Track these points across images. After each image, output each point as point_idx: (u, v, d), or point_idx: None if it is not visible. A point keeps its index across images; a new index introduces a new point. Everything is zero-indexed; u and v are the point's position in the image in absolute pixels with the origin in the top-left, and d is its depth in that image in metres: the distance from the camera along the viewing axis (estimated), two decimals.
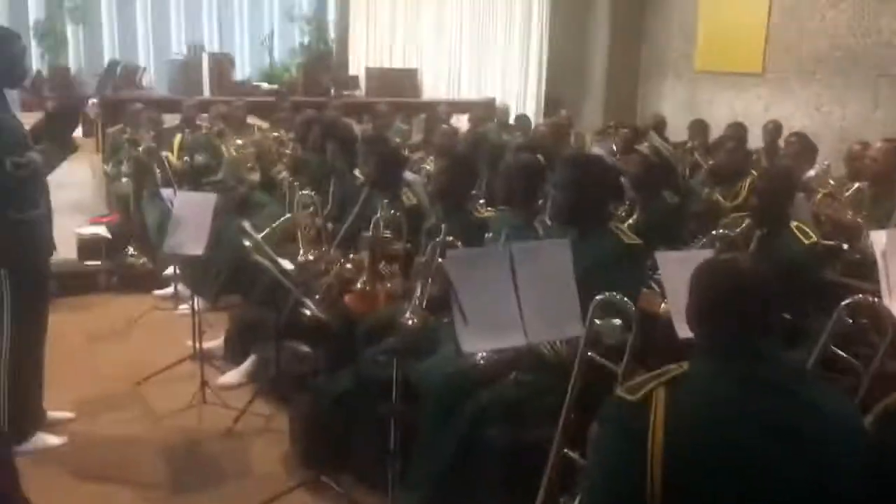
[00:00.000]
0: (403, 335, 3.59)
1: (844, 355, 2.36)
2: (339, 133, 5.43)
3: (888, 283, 2.79)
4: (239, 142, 6.10)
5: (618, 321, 2.45)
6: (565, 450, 2.47)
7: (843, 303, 2.40)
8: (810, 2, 7.58)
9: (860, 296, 2.43)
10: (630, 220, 4.56)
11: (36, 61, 13.83)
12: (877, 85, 7.13)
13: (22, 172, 3.25)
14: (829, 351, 2.35)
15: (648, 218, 4.49)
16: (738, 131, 6.55)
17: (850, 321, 2.37)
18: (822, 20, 7.50)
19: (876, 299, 2.43)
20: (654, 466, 1.55)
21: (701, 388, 1.64)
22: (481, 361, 3.14)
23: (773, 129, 6.88)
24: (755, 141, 6.84)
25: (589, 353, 2.50)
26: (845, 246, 4.00)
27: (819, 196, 4.48)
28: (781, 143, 6.46)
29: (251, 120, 7.99)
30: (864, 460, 1.61)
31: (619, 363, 2.44)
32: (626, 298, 2.47)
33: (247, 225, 4.12)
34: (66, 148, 3.56)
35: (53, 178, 3.67)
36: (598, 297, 2.44)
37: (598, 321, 2.46)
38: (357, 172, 5.11)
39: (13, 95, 3.57)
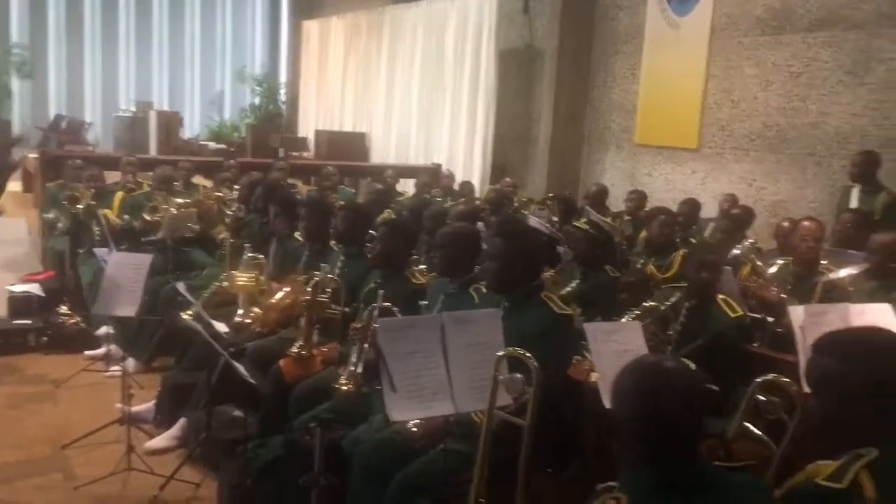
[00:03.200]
0: (336, 401, 3.59)
1: (758, 432, 2.42)
2: (281, 195, 5.45)
3: (806, 357, 2.89)
4: (180, 201, 6.06)
5: (519, 375, 2.47)
6: None
7: (756, 380, 2.47)
8: (743, 83, 7.94)
9: (772, 375, 2.51)
10: (568, 288, 4.65)
11: None
12: (805, 164, 7.45)
13: None
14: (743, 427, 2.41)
15: (589, 289, 4.58)
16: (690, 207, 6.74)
17: (763, 398, 2.44)
18: (755, 100, 7.84)
19: (786, 380, 2.50)
20: None
21: None
22: (414, 429, 3.14)
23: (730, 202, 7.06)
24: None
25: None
26: (770, 319, 4.11)
27: (744, 271, 4.63)
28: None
29: (196, 179, 7.98)
30: None
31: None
32: (528, 354, 2.48)
33: (181, 287, 4.08)
34: None
35: None
36: (499, 354, 2.45)
37: (500, 376, 2.47)
38: (297, 234, 5.12)
39: None
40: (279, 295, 4.46)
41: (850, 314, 3.10)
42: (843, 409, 1.77)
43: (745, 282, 4.50)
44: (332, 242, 4.83)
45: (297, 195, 5.99)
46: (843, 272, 4.01)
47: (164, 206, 5.98)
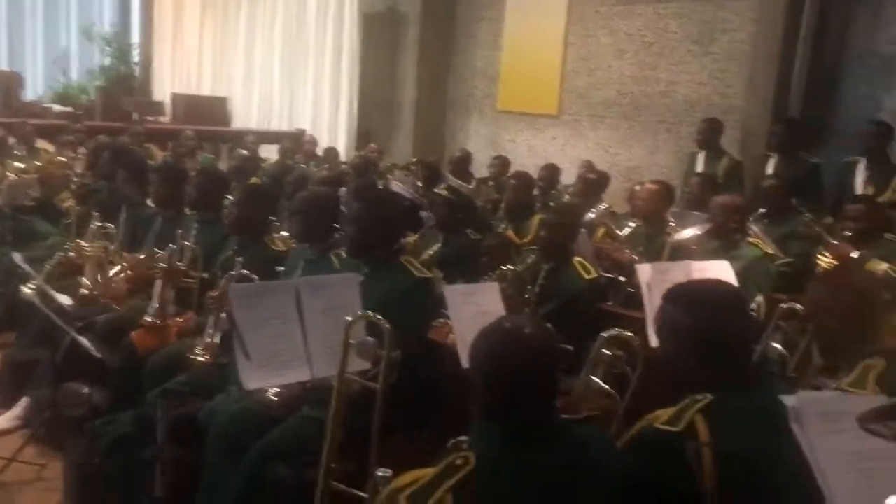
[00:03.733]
0: (192, 373, 3.47)
1: (603, 385, 2.52)
2: (130, 159, 5.18)
3: (652, 310, 3.03)
4: (19, 165, 5.65)
5: (371, 339, 2.46)
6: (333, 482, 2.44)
7: (601, 335, 2.57)
8: (599, 51, 8.17)
9: (616, 330, 2.61)
10: (430, 252, 4.69)
11: None
12: (657, 131, 7.78)
13: None
14: (591, 380, 2.50)
15: (450, 253, 4.64)
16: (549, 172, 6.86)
17: (608, 352, 2.54)
18: (609, 69, 8.09)
19: (628, 334, 2.61)
20: None
21: (492, 492, 1.61)
22: (273, 398, 3.08)
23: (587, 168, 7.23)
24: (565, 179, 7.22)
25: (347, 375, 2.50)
26: (622, 279, 4.30)
27: (599, 234, 4.81)
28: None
29: (39, 144, 7.46)
30: (620, 487, 1.71)
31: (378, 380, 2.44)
32: (379, 317, 2.46)
33: (18, 258, 3.82)
34: None
35: None
36: (349, 318, 2.43)
37: (352, 340, 2.45)
38: (149, 201, 4.88)
39: None
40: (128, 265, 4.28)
41: (692, 271, 3.27)
42: (686, 356, 1.87)
43: (600, 244, 4.68)
44: (187, 209, 4.64)
45: (147, 159, 5.71)
46: (687, 233, 4.23)
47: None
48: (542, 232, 3.89)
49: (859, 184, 5.42)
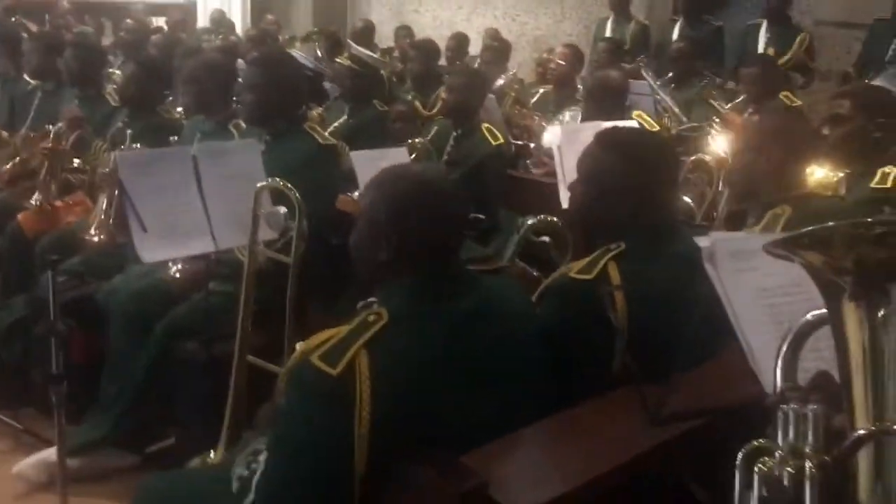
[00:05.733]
0: (88, 254, 3.29)
1: (531, 271, 2.47)
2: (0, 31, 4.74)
3: (563, 173, 3.01)
4: None
5: (282, 208, 2.34)
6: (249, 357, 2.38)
7: (527, 223, 2.48)
8: None
9: (542, 216, 2.53)
10: (336, 124, 4.53)
11: None
12: None
13: None
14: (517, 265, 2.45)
15: (357, 124, 4.48)
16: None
17: (535, 239, 2.48)
18: None
19: (554, 219, 2.54)
20: (362, 440, 1.39)
21: (406, 344, 1.49)
22: (177, 275, 2.96)
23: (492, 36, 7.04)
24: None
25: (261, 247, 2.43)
26: (532, 145, 4.26)
27: (508, 102, 4.72)
28: None
29: None
30: (535, 334, 1.69)
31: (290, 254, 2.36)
32: (290, 185, 2.34)
33: None
34: None
35: None
36: (259, 185, 2.30)
37: (262, 210, 2.33)
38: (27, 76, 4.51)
39: None
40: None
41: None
42: (607, 201, 1.84)
43: (510, 112, 4.61)
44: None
45: (18, 31, 5.24)
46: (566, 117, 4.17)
47: None
48: (447, 95, 3.78)
49: (761, 46, 5.47)
